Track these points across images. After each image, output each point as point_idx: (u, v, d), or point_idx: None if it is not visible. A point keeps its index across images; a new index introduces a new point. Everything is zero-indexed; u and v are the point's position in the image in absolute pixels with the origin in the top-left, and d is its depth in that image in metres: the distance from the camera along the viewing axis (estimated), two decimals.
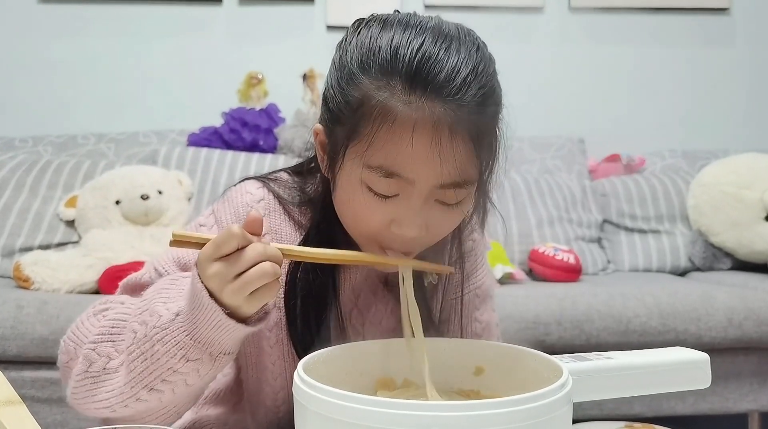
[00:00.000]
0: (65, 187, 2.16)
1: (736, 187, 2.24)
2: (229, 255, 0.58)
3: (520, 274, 2.02)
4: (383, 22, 0.66)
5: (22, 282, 1.77)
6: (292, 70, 2.48)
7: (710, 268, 2.25)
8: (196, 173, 2.23)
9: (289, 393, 0.54)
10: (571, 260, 2.03)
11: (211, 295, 0.59)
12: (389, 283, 0.80)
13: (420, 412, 0.46)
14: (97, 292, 1.79)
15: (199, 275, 0.59)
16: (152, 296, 0.66)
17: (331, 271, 0.76)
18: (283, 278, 0.75)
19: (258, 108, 2.45)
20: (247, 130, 2.36)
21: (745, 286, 1.89)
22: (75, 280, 1.79)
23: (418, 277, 0.71)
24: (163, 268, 0.74)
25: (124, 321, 0.66)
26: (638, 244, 2.33)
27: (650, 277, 2.13)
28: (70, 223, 2.10)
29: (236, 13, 2.65)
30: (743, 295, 1.73)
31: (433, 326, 0.78)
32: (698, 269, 2.27)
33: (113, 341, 0.66)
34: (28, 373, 1.54)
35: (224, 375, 0.89)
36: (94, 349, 0.66)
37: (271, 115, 2.43)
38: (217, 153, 2.29)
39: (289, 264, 0.75)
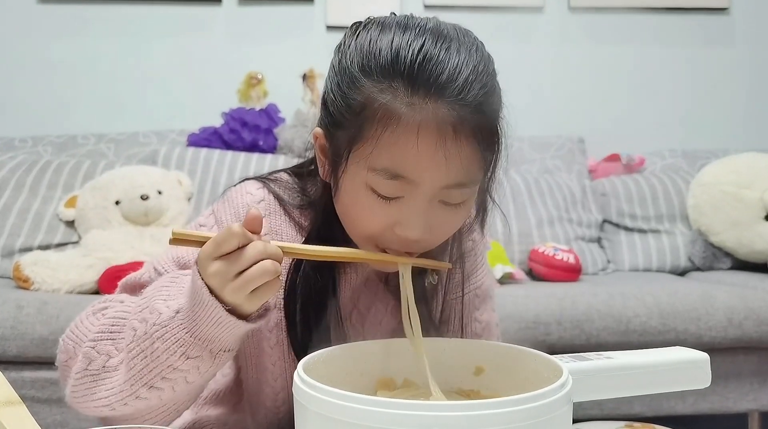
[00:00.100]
0: (65, 188, 2.16)
1: (736, 187, 2.24)
2: (229, 253, 0.58)
3: (520, 274, 2.02)
4: (381, 24, 0.67)
5: (22, 282, 1.77)
6: (292, 70, 2.48)
7: (710, 268, 2.25)
8: (196, 173, 2.23)
9: (290, 393, 0.54)
10: (571, 260, 2.03)
11: (212, 292, 0.59)
12: (389, 283, 0.80)
13: (420, 412, 0.46)
14: (96, 292, 1.79)
15: (199, 273, 0.59)
16: (152, 294, 0.66)
17: (331, 271, 0.76)
18: (284, 279, 0.75)
19: (258, 108, 2.45)
20: (246, 131, 2.36)
21: (745, 285, 1.89)
22: (75, 280, 1.79)
23: (418, 277, 0.71)
24: (163, 267, 0.74)
25: (124, 319, 0.66)
26: (638, 244, 2.33)
27: (650, 277, 2.13)
28: (70, 224, 2.10)
29: (236, 13, 2.65)
30: (743, 294, 1.73)
31: (433, 326, 0.78)
32: (698, 269, 2.27)
33: (113, 339, 0.66)
34: (28, 374, 1.54)
35: (224, 375, 0.89)
36: (93, 348, 0.66)
37: (270, 115, 2.43)
38: (216, 153, 2.29)
39: (290, 265, 0.75)
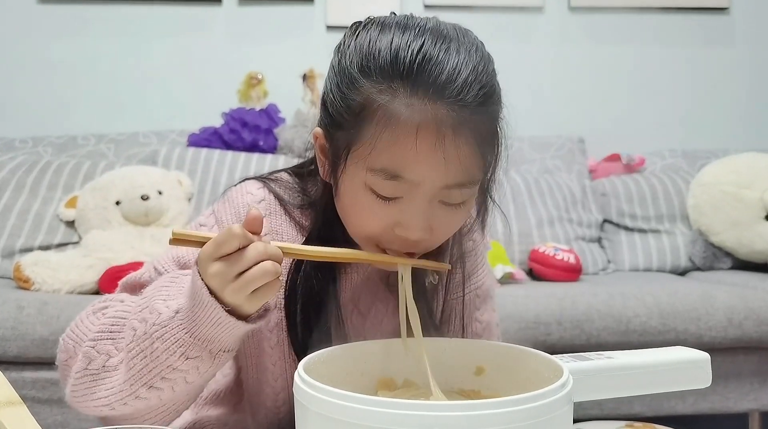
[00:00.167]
0: (65, 188, 2.16)
1: (736, 187, 2.24)
2: (230, 254, 0.58)
3: (520, 274, 2.02)
4: (381, 24, 0.66)
5: (23, 283, 1.77)
6: (292, 70, 2.48)
7: (710, 268, 2.25)
8: (196, 173, 2.23)
9: (290, 393, 0.54)
10: (572, 260, 2.03)
11: (212, 292, 0.59)
12: (390, 283, 0.80)
13: (421, 412, 0.46)
14: (97, 292, 1.79)
15: (199, 273, 0.59)
16: (152, 294, 0.66)
17: (331, 271, 0.76)
18: (284, 279, 0.75)
19: (258, 108, 2.45)
20: (247, 131, 2.36)
21: (745, 285, 1.89)
22: (75, 280, 1.79)
23: (418, 277, 0.71)
24: (163, 267, 0.74)
25: (124, 318, 0.66)
26: (638, 244, 2.33)
27: (650, 277, 2.13)
28: (70, 224, 2.10)
29: (236, 13, 2.65)
30: (743, 294, 1.73)
31: (433, 326, 0.78)
32: (698, 269, 2.27)
33: (113, 339, 0.66)
34: (29, 374, 1.54)
35: (224, 375, 0.89)
36: (93, 347, 0.66)
37: (271, 115, 2.43)
38: (217, 153, 2.29)
39: (290, 265, 0.75)
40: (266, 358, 0.78)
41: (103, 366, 0.65)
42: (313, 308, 0.75)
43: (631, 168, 2.54)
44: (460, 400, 0.62)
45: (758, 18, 2.82)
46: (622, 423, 0.74)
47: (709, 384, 0.63)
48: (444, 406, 0.47)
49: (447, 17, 0.69)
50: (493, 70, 0.66)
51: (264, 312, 0.64)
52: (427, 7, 2.68)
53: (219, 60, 2.64)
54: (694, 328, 1.66)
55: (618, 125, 2.76)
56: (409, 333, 0.67)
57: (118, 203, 2.02)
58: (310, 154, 0.79)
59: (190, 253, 0.74)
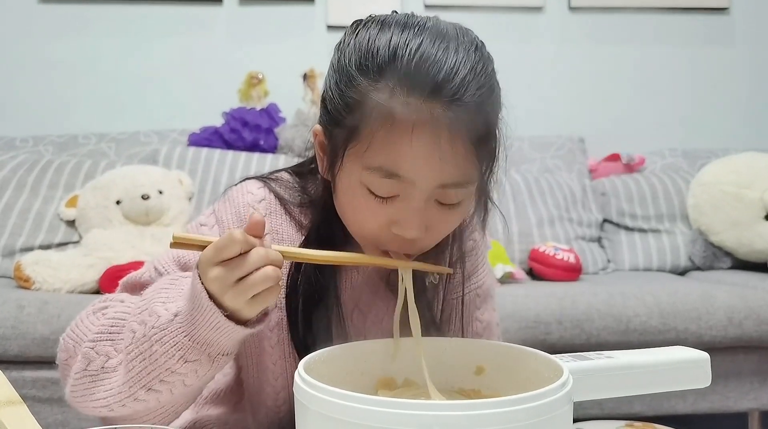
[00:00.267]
0: (66, 187, 2.17)
1: (736, 187, 2.24)
2: (230, 259, 0.57)
3: (520, 274, 2.02)
4: (381, 23, 0.66)
5: (23, 282, 1.77)
6: (293, 70, 2.48)
7: (710, 268, 2.25)
8: (197, 173, 2.23)
9: (290, 393, 0.54)
10: (572, 259, 2.03)
11: (211, 297, 0.59)
12: (390, 282, 0.80)
13: (421, 412, 0.46)
14: (97, 291, 1.80)
15: (199, 277, 0.59)
16: (152, 296, 0.66)
17: (332, 270, 0.76)
18: (284, 278, 0.75)
19: (258, 108, 2.45)
20: (247, 130, 2.37)
21: (745, 285, 1.89)
22: (76, 279, 1.79)
23: (419, 276, 0.71)
24: (163, 267, 0.74)
25: (124, 320, 0.66)
26: (638, 244, 2.33)
27: (650, 277, 2.13)
28: (71, 223, 2.10)
29: (237, 13, 2.65)
30: (743, 294, 1.73)
31: (434, 326, 0.78)
32: (698, 268, 2.28)
33: (112, 340, 0.66)
34: (29, 373, 1.54)
35: (224, 375, 0.89)
36: (93, 348, 0.66)
37: (271, 114, 2.43)
38: (217, 153, 2.29)
39: (291, 264, 0.75)
40: (267, 358, 0.78)
41: (102, 367, 0.65)
42: (313, 307, 0.75)
43: (631, 168, 2.55)
44: (460, 399, 0.62)
45: (758, 18, 2.82)
46: (622, 423, 0.74)
47: (709, 383, 0.63)
48: (444, 405, 0.47)
49: (447, 17, 0.69)
50: (493, 70, 0.66)
51: (263, 316, 0.64)
52: (427, 6, 2.68)
53: (220, 59, 2.64)
54: (694, 327, 1.66)
55: (618, 125, 2.76)
56: (404, 333, 0.67)
57: (118, 202, 2.02)
58: (310, 154, 0.79)
59: (190, 253, 0.74)
